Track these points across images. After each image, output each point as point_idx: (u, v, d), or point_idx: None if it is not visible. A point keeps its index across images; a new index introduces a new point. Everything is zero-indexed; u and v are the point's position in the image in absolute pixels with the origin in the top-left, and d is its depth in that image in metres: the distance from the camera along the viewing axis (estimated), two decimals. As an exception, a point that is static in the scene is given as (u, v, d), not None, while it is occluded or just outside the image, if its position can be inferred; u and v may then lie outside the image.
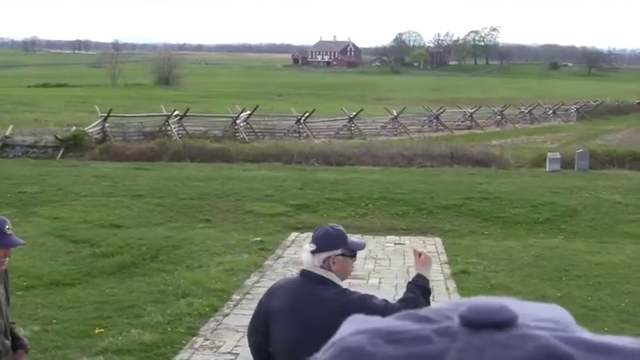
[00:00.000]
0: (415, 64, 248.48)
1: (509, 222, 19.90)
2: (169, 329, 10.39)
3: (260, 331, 5.16)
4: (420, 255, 5.33)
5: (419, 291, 5.05)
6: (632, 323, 11.42)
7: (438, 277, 14.11)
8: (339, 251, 4.90)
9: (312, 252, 4.91)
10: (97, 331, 10.12)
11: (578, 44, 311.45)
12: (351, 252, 5.00)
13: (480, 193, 22.91)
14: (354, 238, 5.26)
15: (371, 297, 4.97)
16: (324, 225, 5.19)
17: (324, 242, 4.93)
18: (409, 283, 5.25)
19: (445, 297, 12.77)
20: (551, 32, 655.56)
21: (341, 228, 5.09)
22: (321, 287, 4.86)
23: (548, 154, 30.79)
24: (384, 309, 4.69)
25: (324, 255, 4.89)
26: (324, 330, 4.84)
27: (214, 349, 9.81)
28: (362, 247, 5.19)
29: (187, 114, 42.08)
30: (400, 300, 5.15)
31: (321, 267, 4.89)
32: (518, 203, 21.69)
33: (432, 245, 17.03)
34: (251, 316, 5.38)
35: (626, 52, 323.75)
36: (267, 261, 15.05)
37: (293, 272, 14.02)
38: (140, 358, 9.31)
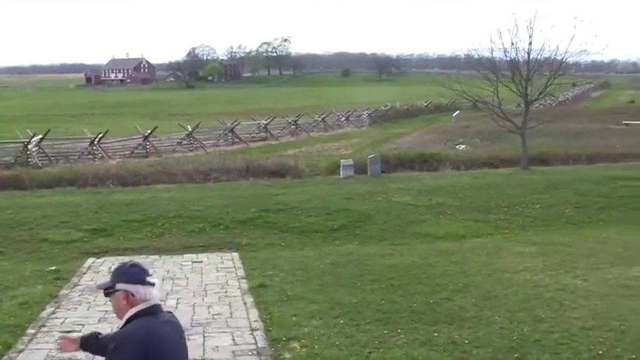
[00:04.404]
0: (209, 78, 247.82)
1: (305, 231, 20.21)
2: (-43, 373, 9.94)
3: None
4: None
5: None
6: (423, 322, 11.83)
7: (236, 293, 14.18)
8: None
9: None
10: None
11: (369, 51, 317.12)
12: None
13: (277, 204, 23.11)
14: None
15: None
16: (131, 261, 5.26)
17: None
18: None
19: (243, 312, 12.82)
20: (342, 41, 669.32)
21: None
22: None
23: (342, 161, 31.39)
24: None
25: None
26: None
27: (6, 389, 9.45)
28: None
29: (-26, 142, 40.57)
30: None
31: None
32: (314, 212, 22.04)
33: (230, 260, 17.06)
34: None
35: (414, 56, 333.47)
36: (63, 290, 14.62)
37: (90, 300, 13.73)
38: None
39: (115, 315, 5.17)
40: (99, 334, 5.51)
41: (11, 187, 28.95)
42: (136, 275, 4.98)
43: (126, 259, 17.14)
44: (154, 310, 4.95)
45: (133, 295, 4.93)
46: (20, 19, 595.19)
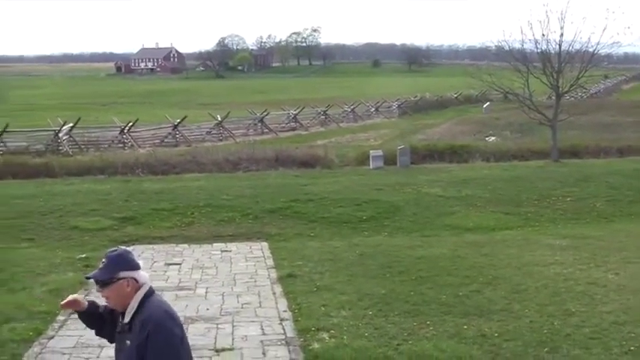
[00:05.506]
0: (239, 68, 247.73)
1: (334, 222, 20.16)
2: (-10, 358, 10.00)
3: None
4: None
5: None
6: (452, 314, 11.79)
7: (265, 282, 14.19)
8: None
9: None
10: None
11: (398, 42, 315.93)
12: None
13: (306, 194, 23.09)
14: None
15: None
16: (120, 248, 5.46)
17: None
18: None
19: (272, 302, 12.83)
20: (372, 31, 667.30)
21: None
22: None
23: (371, 151, 31.29)
24: None
25: None
26: None
27: (36, 375, 9.49)
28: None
29: (7, 129, 40.83)
30: None
31: None
32: (343, 202, 22.00)
33: (259, 250, 17.07)
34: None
35: (443, 47, 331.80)
36: (93, 278, 14.65)
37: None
38: (-43, 391, 8.91)
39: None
40: (95, 303, 5.66)
41: (42, 174, 29.12)
42: (135, 262, 5.21)
43: (155, 247, 17.26)
44: (153, 289, 5.25)
45: (136, 280, 5.14)
46: (52, 8, 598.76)
